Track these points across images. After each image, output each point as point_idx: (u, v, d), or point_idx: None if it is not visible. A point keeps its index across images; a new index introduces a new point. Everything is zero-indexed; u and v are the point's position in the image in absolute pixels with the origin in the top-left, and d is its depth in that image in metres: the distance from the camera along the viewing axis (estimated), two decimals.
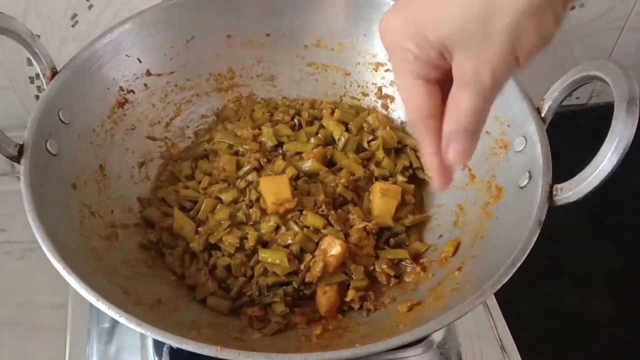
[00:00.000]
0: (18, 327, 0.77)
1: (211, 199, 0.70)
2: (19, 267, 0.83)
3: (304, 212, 0.68)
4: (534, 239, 0.56)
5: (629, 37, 1.03)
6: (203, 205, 0.69)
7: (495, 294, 0.77)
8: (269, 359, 0.49)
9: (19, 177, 0.58)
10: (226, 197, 0.70)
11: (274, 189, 0.68)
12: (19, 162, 0.59)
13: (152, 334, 0.49)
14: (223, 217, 0.68)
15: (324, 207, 0.69)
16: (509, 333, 0.77)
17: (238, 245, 0.66)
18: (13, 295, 0.80)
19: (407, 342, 0.50)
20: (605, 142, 0.55)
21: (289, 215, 0.68)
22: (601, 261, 0.95)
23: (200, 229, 0.68)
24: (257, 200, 0.69)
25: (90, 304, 0.73)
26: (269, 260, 0.65)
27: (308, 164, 0.73)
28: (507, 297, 0.78)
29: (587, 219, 0.98)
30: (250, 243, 0.66)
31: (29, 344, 0.76)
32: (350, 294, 0.65)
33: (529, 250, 0.55)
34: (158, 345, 0.68)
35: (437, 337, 0.72)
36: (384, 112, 0.83)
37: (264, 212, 0.69)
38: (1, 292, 0.80)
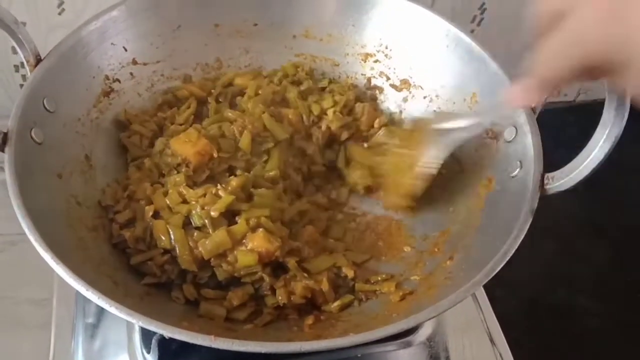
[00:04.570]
0: None
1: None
2: None
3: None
4: (527, 227, 0.56)
5: None
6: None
7: (484, 290, 0.79)
8: (264, 348, 0.48)
9: (2, 167, 0.56)
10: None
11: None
12: (3, 151, 0.58)
13: (144, 324, 0.48)
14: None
15: None
16: (499, 327, 0.77)
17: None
18: None
19: (402, 330, 0.50)
20: (596, 131, 0.56)
21: None
22: (587, 258, 0.97)
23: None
24: None
25: (76, 298, 0.74)
26: None
27: None
28: (497, 294, 0.79)
29: (575, 217, 0.99)
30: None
31: (9, 339, 0.74)
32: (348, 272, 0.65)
33: (521, 238, 0.56)
34: (146, 339, 0.66)
35: (426, 331, 0.72)
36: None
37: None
38: None
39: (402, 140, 0.74)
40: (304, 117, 0.75)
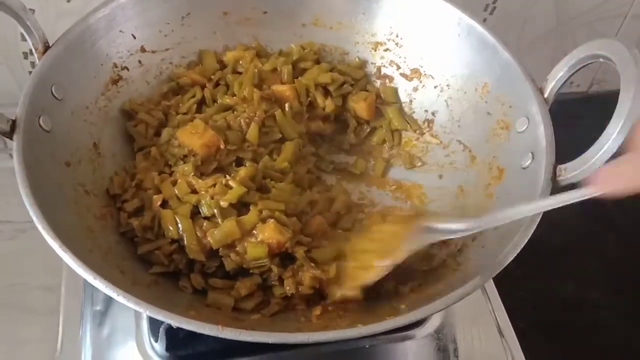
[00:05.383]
0: (8, 309, 0.76)
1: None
2: (9, 247, 0.81)
3: None
4: (538, 220, 0.55)
5: (632, 24, 1.03)
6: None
7: (493, 281, 0.78)
8: (271, 338, 0.48)
9: (11, 155, 0.56)
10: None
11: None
12: (11, 138, 0.57)
13: (151, 313, 0.48)
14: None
15: None
16: (507, 318, 0.77)
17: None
18: (3, 276, 0.78)
19: (411, 322, 0.50)
20: (610, 122, 0.55)
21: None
22: (598, 251, 0.96)
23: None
24: None
25: (84, 285, 0.74)
26: None
27: None
28: (505, 286, 0.78)
29: (586, 209, 0.98)
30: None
31: (20, 325, 0.74)
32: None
33: (532, 231, 0.55)
34: (154, 327, 0.67)
35: (434, 322, 0.72)
36: None
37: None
38: None
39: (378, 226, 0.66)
40: (301, 96, 0.75)
